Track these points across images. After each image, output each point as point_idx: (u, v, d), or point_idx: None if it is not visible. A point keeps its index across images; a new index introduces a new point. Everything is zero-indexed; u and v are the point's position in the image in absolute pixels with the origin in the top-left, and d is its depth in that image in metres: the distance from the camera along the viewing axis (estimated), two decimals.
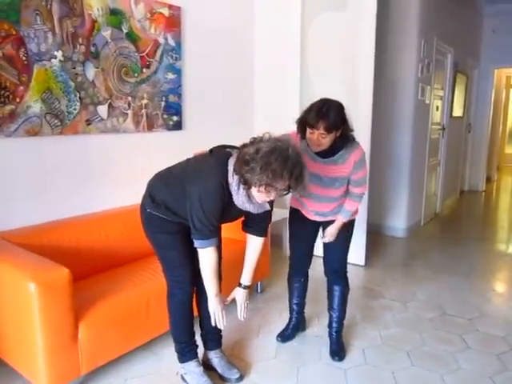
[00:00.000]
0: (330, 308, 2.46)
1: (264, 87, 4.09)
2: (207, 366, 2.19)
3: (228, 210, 1.84)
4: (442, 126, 5.61)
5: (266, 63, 4.05)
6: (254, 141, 1.74)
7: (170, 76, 3.19)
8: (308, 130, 2.02)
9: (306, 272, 2.55)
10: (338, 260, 2.41)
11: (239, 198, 1.78)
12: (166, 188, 1.96)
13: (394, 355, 2.42)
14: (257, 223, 2.01)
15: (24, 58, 2.33)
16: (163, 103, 3.18)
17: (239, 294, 2.09)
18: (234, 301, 2.11)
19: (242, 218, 2.03)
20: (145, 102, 3.03)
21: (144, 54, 2.97)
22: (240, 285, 2.09)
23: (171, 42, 3.17)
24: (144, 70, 2.99)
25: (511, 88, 9.86)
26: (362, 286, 3.44)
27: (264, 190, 1.68)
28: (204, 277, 1.93)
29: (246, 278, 2.09)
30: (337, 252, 2.38)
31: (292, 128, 2.20)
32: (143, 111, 3.04)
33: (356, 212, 2.34)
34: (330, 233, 2.29)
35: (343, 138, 2.08)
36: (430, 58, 4.66)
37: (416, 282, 3.46)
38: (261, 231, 2.04)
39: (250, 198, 1.79)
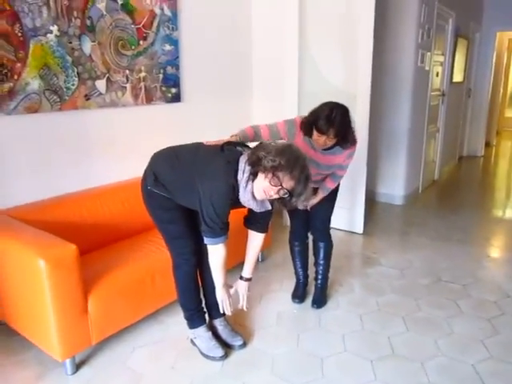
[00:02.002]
0: (316, 262, 2.72)
1: (263, 56, 4.03)
2: (212, 334, 2.28)
3: (234, 204, 1.89)
4: (442, 92, 5.57)
5: (264, 32, 3.97)
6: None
7: (168, 47, 3.16)
8: (316, 133, 2.13)
9: (305, 235, 2.73)
10: (322, 219, 2.63)
11: (245, 196, 1.83)
12: (172, 171, 1.99)
13: (390, 321, 2.52)
14: (258, 220, 2.08)
15: (20, 34, 2.31)
16: (161, 75, 3.15)
17: (241, 286, 2.20)
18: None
19: (245, 215, 2.10)
20: (143, 74, 3.01)
21: (140, 26, 2.93)
22: (241, 277, 2.20)
23: (167, 12, 3.11)
24: (141, 42, 2.96)
25: None
26: (360, 254, 3.54)
27: (270, 178, 1.72)
28: (212, 270, 2.01)
29: (246, 271, 2.19)
30: (321, 212, 2.59)
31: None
32: (141, 84, 3.02)
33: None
34: (311, 203, 2.49)
35: (345, 139, 2.20)
36: (430, 23, 4.58)
37: (413, 249, 3.55)
38: (262, 228, 2.12)
39: (254, 195, 1.84)
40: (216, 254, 1.94)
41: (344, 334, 2.39)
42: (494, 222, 4.42)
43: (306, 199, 1.83)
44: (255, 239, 2.14)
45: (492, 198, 5.39)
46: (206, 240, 1.91)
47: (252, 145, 1.96)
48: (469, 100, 7.16)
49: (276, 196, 1.78)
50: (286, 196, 1.77)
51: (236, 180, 1.81)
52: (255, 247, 2.15)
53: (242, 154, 1.86)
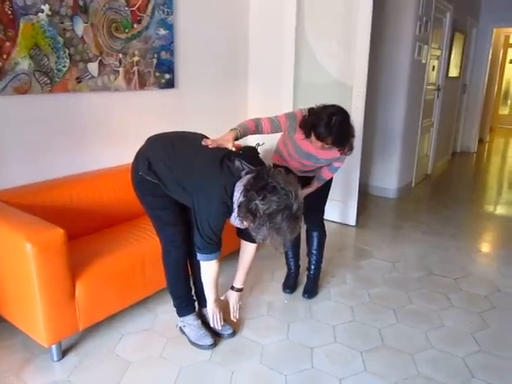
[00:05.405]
0: (309, 252, 2.71)
1: (259, 44, 3.97)
2: (201, 322, 2.26)
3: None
4: (438, 86, 5.56)
5: (262, 20, 3.91)
6: (265, 184, 1.67)
7: (162, 32, 3.09)
8: (314, 137, 2.11)
9: None
10: (316, 209, 2.61)
11: (235, 221, 1.83)
12: (166, 168, 1.93)
13: (381, 313, 2.51)
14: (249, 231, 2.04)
15: (9, 12, 2.23)
16: (155, 60, 3.09)
17: (232, 296, 2.21)
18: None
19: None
20: (136, 59, 2.95)
21: (135, 9, 2.86)
22: (233, 288, 2.21)
23: None
24: (135, 25, 2.89)
25: (509, 48, 9.71)
26: (353, 246, 3.53)
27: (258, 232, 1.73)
28: (205, 285, 2.03)
29: (238, 281, 2.21)
30: (315, 202, 2.57)
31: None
32: (135, 68, 2.96)
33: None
34: (305, 193, 2.45)
35: (343, 147, 2.18)
36: (428, 15, 4.54)
37: (405, 243, 3.54)
38: (253, 238, 2.06)
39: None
40: (209, 269, 1.95)
41: (335, 325, 2.38)
42: (486, 218, 4.43)
43: (293, 233, 1.74)
44: (247, 249, 2.14)
45: (484, 194, 5.40)
46: (199, 256, 1.90)
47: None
48: (464, 96, 7.16)
49: None
50: None
51: (232, 202, 1.78)
52: (247, 257, 2.15)
53: (240, 177, 1.79)
